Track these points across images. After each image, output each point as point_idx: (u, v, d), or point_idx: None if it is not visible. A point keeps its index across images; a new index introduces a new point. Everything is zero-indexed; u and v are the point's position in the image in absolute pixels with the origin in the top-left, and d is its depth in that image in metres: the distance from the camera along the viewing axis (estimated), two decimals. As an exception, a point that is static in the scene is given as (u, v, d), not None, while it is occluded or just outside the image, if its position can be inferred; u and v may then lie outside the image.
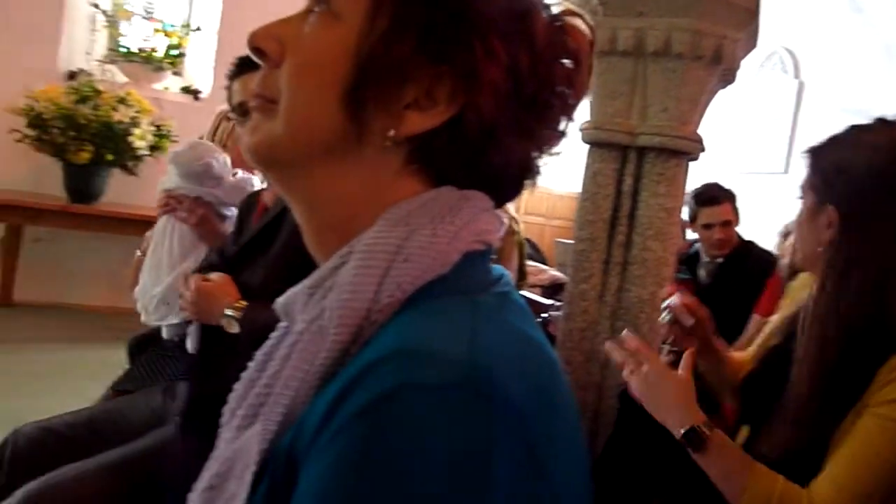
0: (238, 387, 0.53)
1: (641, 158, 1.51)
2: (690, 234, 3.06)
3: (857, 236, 1.02)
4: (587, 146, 1.56)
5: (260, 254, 1.39)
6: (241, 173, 1.89)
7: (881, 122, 1.07)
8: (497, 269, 0.54)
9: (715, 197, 2.81)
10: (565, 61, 0.51)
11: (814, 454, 0.98)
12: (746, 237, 2.91)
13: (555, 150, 0.55)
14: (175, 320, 1.74)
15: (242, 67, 1.53)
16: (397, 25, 0.47)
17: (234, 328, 1.28)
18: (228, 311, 1.29)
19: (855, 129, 1.09)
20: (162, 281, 1.75)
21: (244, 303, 1.30)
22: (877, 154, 1.02)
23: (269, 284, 1.36)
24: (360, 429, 0.37)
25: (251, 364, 0.54)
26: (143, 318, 1.80)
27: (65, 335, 3.69)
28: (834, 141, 1.10)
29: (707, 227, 2.81)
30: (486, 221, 0.51)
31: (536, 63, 0.49)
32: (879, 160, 1.01)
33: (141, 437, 1.38)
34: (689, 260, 2.97)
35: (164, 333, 1.79)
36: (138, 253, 1.99)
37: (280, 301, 0.53)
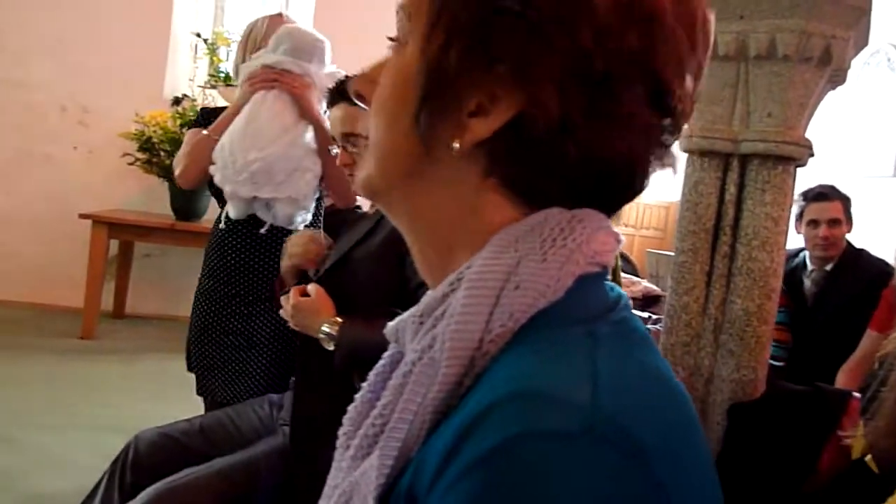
0: (352, 410, 0.53)
1: (745, 166, 1.46)
2: (792, 243, 2.91)
3: None
4: (685, 155, 1.52)
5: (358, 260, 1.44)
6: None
7: None
8: (614, 290, 0.50)
9: (824, 193, 2.67)
10: (641, 25, 0.44)
11: None
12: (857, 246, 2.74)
13: (666, 137, 0.47)
14: (266, 195, 1.76)
15: (336, 96, 1.56)
16: (450, 36, 0.45)
17: (330, 346, 1.32)
18: (325, 328, 1.33)
19: None
20: (262, 150, 1.73)
21: (339, 320, 1.34)
22: None
23: (368, 283, 1.40)
24: (481, 477, 0.36)
25: (364, 386, 0.54)
26: (218, 178, 1.77)
27: (174, 345, 3.89)
28: None
29: (813, 223, 2.66)
30: (601, 241, 0.47)
31: (602, 36, 0.43)
32: None
33: (250, 444, 1.45)
34: (792, 272, 2.82)
35: (232, 212, 1.79)
36: (205, 132, 1.85)
37: (390, 326, 0.52)
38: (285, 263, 1.58)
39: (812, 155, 1.46)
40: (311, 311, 1.38)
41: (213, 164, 1.79)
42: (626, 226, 5.85)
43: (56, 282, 4.48)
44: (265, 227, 1.83)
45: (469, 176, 0.47)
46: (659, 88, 0.45)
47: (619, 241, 0.50)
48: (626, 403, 0.39)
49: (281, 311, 1.47)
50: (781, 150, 1.41)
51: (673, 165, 0.49)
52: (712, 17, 0.48)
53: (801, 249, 2.83)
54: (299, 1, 5.03)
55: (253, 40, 1.94)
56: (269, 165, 1.74)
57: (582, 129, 0.44)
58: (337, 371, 1.31)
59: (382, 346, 1.33)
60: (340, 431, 0.53)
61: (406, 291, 1.37)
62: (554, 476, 0.35)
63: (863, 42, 1.53)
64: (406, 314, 0.50)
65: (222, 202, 1.88)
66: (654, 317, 2.79)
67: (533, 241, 0.45)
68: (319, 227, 1.96)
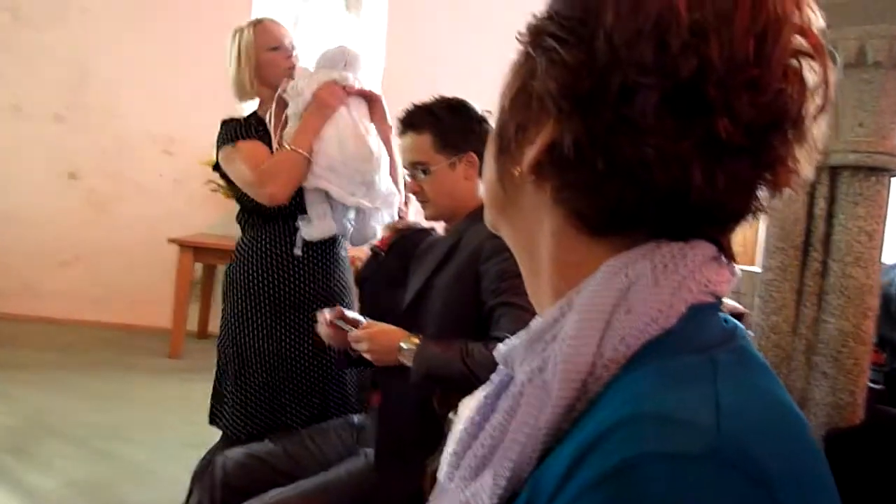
0: (461, 432, 0.53)
1: (835, 178, 1.39)
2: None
3: None
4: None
5: (433, 283, 1.46)
6: None
7: None
8: (729, 320, 0.49)
9: None
10: (651, 27, 0.43)
11: None
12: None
13: (732, 151, 0.43)
14: (368, 203, 1.85)
15: (405, 126, 1.58)
16: (503, 100, 0.52)
17: (409, 362, 1.34)
18: (404, 344, 1.35)
19: None
20: (371, 162, 1.84)
21: (416, 339, 1.36)
22: None
23: (443, 311, 1.42)
24: (603, 496, 0.36)
25: (472, 407, 0.54)
26: (336, 192, 1.82)
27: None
28: None
29: None
30: (714, 271, 0.47)
31: (614, 48, 0.44)
32: None
33: (333, 466, 1.47)
34: (888, 286, 2.65)
35: (317, 233, 1.83)
36: (288, 147, 1.82)
37: (500, 348, 0.53)
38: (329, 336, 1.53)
39: (907, 165, 1.39)
40: (386, 333, 1.40)
41: (314, 179, 1.81)
42: (704, 241, 5.67)
43: (146, 304, 4.70)
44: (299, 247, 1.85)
45: (540, 206, 0.50)
46: (685, 96, 0.42)
47: (733, 274, 0.49)
48: (750, 429, 0.38)
49: (323, 333, 1.51)
50: (874, 161, 1.34)
51: (777, 185, 0.46)
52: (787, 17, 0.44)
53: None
54: (370, 34, 5.16)
55: (246, 51, 1.95)
56: (379, 177, 1.84)
57: (606, 141, 0.44)
58: (414, 388, 1.33)
59: (456, 366, 1.34)
60: (446, 452, 0.54)
61: (481, 314, 1.37)
62: (678, 498, 0.35)
63: (962, 44, 1.44)
64: (515, 338, 0.51)
65: (284, 227, 1.86)
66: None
67: (644, 266, 0.45)
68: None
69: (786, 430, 0.41)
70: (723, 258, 0.48)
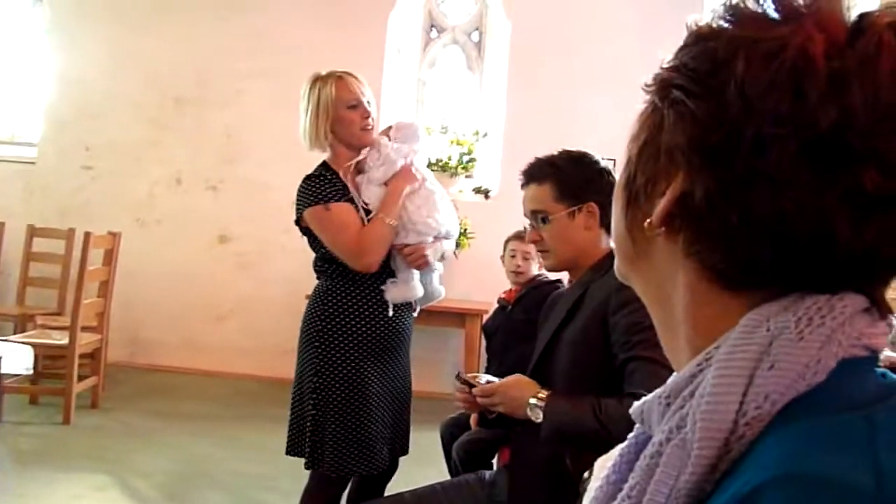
0: (597, 491, 0.53)
1: None
2: None
3: None
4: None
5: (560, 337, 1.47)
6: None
7: None
8: (887, 376, 0.45)
9: None
10: (786, 77, 0.41)
11: None
12: None
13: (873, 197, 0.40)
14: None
15: (527, 178, 1.62)
16: (630, 153, 0.52)
17: (539, 417, 1.34)
18: (532, 400, 1.36)
19: None
20: (450, 224, 2.09)
21: (545, 392, 1.37)
22: None
23: (571, 367, 1.42)
24: None
25: (609, 467, 0.53)
26: (432, 254, 2.01)
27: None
28: None
29: None
30: (867, 324, 0.44)
31: (746, 99, 0.42)
32: None
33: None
34: None
35: (409, 295, 2.02)
36: (386, 220, 1.97)
37: (636, 406, 0.51)
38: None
39: None
40: (516, 386, 1.42)
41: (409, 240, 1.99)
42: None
43: (288, 357, 4.98)
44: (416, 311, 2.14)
45: (671, 257, 0.49)
46: (826, 148, 0.40)
47: (890, 326, 0.46)
48: None
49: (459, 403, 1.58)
50: None
51: None
52: None
53: None
54: (491, 93, 5.31)
55: (325, 105, 2.07)
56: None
57: (739, 194, 0.43)
58: (544, 442, 1.33)
59: (589, 422, 1.32)
60: None
61: (611, 369, 1.36)
62: None
63: None
64: (651, 395, 0.49)
65: (368, 288, 1.98)
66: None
67: (787, 319, 0.43)
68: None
69: None
70: (875, 311, 0.45)
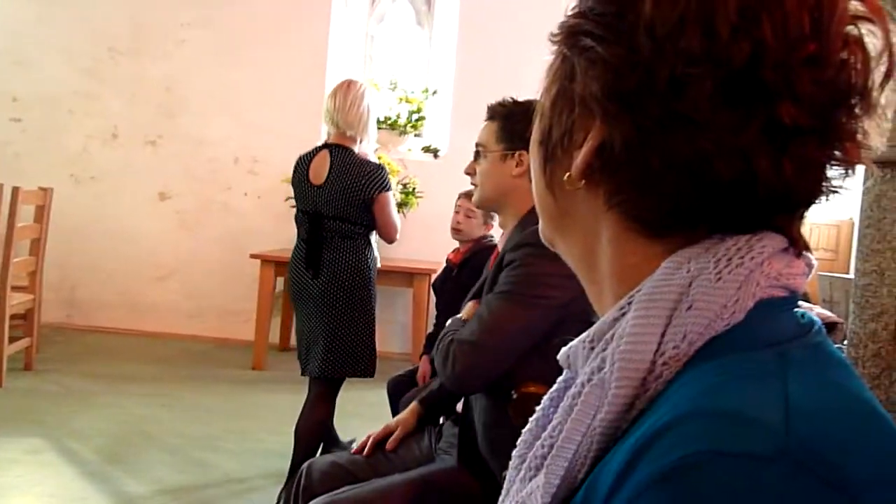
0: (525, 433, 0.53)
1: (936, 176, 1.31)
2: None
3: None
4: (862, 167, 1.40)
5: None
6: None
7: None
8: (806, 315, 0.46)
9: None
10: (695, 13, 0.41)
11: None
12: None
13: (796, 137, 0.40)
14: None
15: (487, 114, 1.67)
16: (542, 110, 0.51)
17: None
18: None
19: None
20: None
21: None
22: None
23: None
24: (665, 494, 0.34)
25: (537, 410, 0.53)
26: None
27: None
28: None
29: None
30: (785, 263, 0.44)
31: (657, 39, 0.41)
32: None
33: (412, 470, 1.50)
34: None
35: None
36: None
37: (562, 351, 0.51)
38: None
39: None
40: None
41: None
42: (792, 247, 5.43)
43: (231, 317, 4.91)
44: None
45: (593, 211, 0.48)
46: (742, 84, 0.40)
47: (809, 266, 0.46)
48: (825, 429, 0.36)
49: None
50: (981, 157, 1.26)
51: (848, 162, 0.43)
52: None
53: None
54: (441, 48, 5.23)
55: (374, 112, 2.64)
56: None
57: (659, 139, 0.42)
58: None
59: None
60: (514, 454, 0.53)
61: None
62: (745, 501, 0.33)
63: None
64: (577, 339, 0.49)
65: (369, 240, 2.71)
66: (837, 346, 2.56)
67: (706, 260, 0.43)
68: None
69: (868, 430, 0.38)
70: (793, 250, 0.45)
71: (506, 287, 1.37)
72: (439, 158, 5.04)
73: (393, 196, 2.59)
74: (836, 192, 0.45)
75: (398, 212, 4.32)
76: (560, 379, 0.54)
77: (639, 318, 0.43)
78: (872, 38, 0.42)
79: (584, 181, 0.47)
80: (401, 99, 5.09)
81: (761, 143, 0.41)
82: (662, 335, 0.42)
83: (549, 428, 0.47)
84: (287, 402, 3.72)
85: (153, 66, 4.99)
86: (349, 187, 2.48)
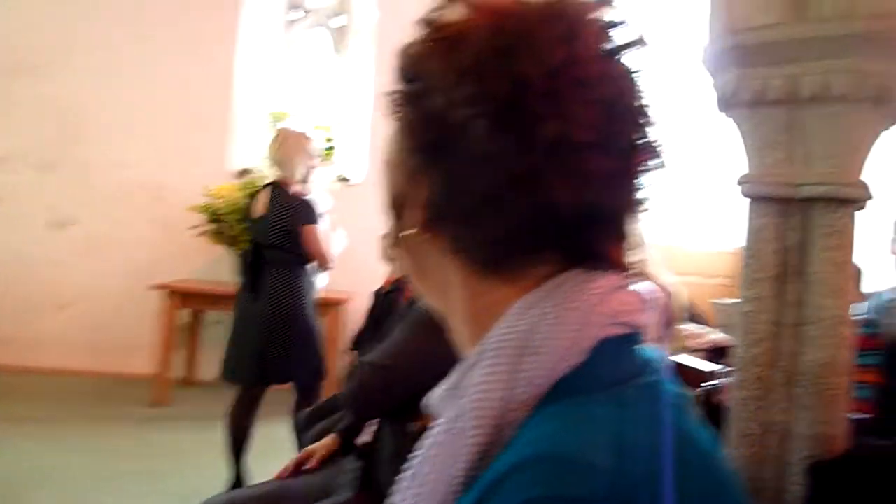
0: (403, 480, 0.52)
1: (807, 210, 1.41)
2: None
3: None
4: (747, 200, 1.49)
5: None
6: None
7: None
8: (647, 351, 0.49)
9: None
10: (467, 64, 0.46)
11: None
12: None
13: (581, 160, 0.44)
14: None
15: None
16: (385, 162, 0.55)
17: None
18: None
19: None
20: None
21: None
22: None
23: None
24: None
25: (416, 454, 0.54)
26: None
27: (241, 411, 3.98)
28: None
29: None
30: (621, 301, 0.47)
31: (445, 93, 0.46)
32: None
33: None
34: (880, 310, 2.68)
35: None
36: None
37: (433, 398, 0.52)
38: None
39: (870, 197, 1.40)
40: None
41: None
42: (694, 274, 5.69)
43: (134, 351, 4.66)
44: None
45: (441, 260, 0.51)
46: (512, 114, 0.44)
47: (646, 301, 0.49)
48: (652, 470, 0.38)
49: None
50: (842, 193, 1.36)
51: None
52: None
53: (873, 294, 2.71)
54: (357, 74, 5.23)
55: (311, 155, 3.01)
56: None
57: (465, 180, 0.46)
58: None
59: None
60: (391, 500, 0.53)
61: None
62: None
63: (923, 77, 1.47)
64: (441, 387, 0.50)
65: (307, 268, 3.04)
66: (726, 369, 2.68)
67: (546, 305, 0.45)
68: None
69: (692, 470, 0.40)
70: (629, 284, 0.48)
71: (415, 314, 1.37)
72: (355, 187, 5.01)
73: (320, 228, 2.86)
74: (647, 206, 0.48)
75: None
76: (433, 425, 0.55)
77: (487, 367, 0.45)
78: (631, 51, 0.46)
79: (426, 234, 0.50)
80: (315, 127, 5.05)
81: (549, 164, 0.43)
82: (511, 381, 0.43)
83: (409, 476, 0.48)
84: (190, 441, 3.56)
85: (49, 85, 4.74)
86: (277, 220, 2.82)
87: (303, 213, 2.83)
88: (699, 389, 1.90)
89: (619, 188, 0.46)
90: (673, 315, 2.43)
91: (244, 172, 4.78)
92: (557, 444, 0.39)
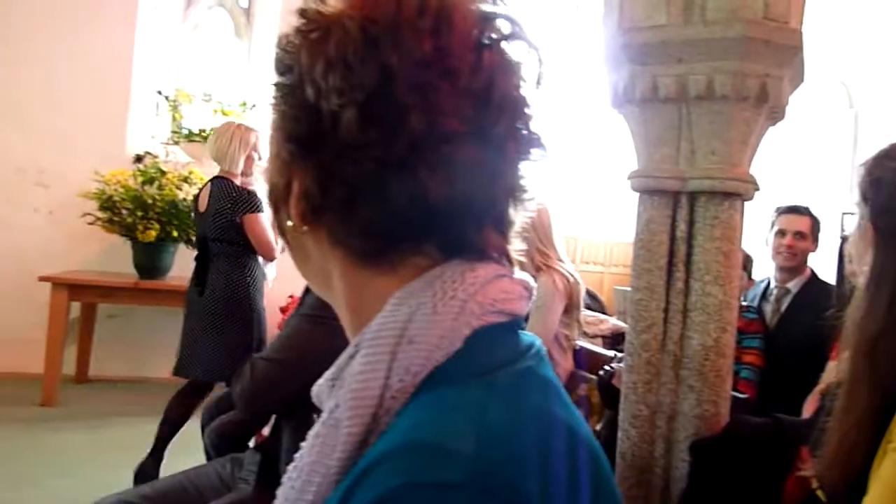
0: (289, 470, 0.53)
1: (693, 203, 1.49)
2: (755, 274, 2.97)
3: (886, 251, 0.94)
4: (638, 194, 1.55)
5: None
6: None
7: None
8: (526, 338, 0.50)
9: (796, 208, 2.83)
10: (334, 54, 0.46)
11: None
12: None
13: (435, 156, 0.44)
14: None
15: None
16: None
17: None
18: None
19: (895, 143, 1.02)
20: None
21: None
22: None
23: None
24: None
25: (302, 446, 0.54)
26: None
27: (140, 409, 3.80)
28: (877, 155, 1.03)
29: (781, 233, 2.78)
30: (500, 289, 0.48)
31: (315, 84, 0.46)
32: None
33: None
34: (761, 297, 2.87)
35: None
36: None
37: (315, 389, 0.52)
38: None
39: (757, 189, 1.50)
40: None
41: None
42: (595, 263, 5.90)
43: (17, 348, 4.35)
44: None
45: (322, 252, 0.51)
46: (379, 104, 0.44)
47: (527, 288, 0.50)
48: (513, 454, 0.39)
49: None
50: (726, 187, 1.44)
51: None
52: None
53: (762, 280, 2.90)
54: (260, 60, 5.09)
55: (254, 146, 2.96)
56: None
57: (337, 171, 0.46)
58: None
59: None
60: (278, 491, 0.53)
61: None
62: None
63: (799, 79, 1.58)
64: (323, 378, 0.50)
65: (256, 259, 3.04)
66: (620, 355, 2.81)
67: (425, 295, 0.46)
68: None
69: (557, 454, 0.41)
70: (510, 274, 0.49)
71: (308, 309, 1.35)
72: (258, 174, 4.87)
73: (263, 218, 2.82)
74: (526, 197, 0.49)
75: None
76: (317, 417, 0.55)
77: (365, 357, 0.45)
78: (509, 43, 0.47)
79: (305, 226, 0.50)
80: (216, 111, 4.87)
81: (416, 154, 0.44)
82: (388, 370, 0.44)
83: (291, 468, 0.48)
84: (81, 442, 3.38)
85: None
86: (220, 212, 2.82)
87: (244, 202, 2.82)
88: (596, 374, 1.98)
89: (494, 179, 0.47)
90: (574, 302, 2.53)
91: (141, 158, 4.56)
92: (422, 432, 0.40)
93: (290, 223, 0.51)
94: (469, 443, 0.38)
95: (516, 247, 0.52)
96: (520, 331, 0.50)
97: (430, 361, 0.44)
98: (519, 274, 0.52)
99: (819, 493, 0.96)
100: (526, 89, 0.47)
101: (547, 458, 0.41)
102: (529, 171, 0.49)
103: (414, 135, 0.44)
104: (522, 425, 0.42)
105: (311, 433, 0.48)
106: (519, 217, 0.51)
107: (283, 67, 0.50)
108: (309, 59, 0.47)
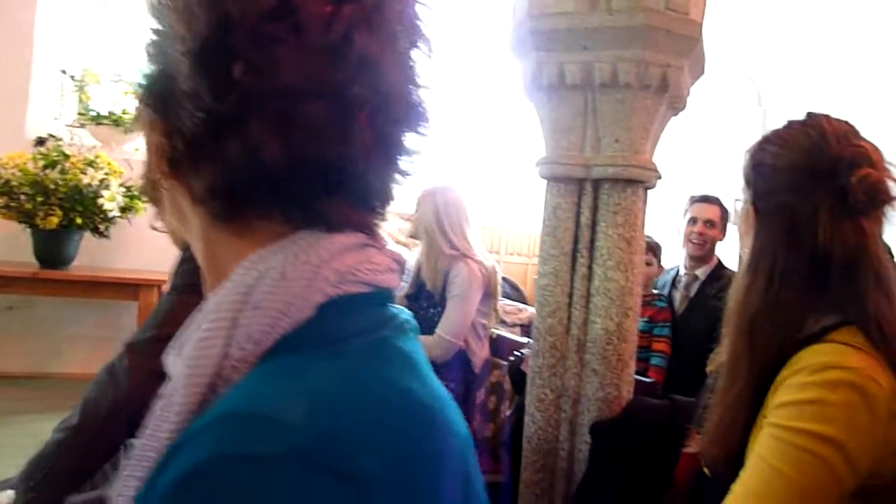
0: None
1: (597, 190, 1.51)
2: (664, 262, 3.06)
3: (764, 232, 0.98)
4: (545, 181, 1.56)
5: None
6: None
7: (802, 119, 1.01)
8: (393, 311, 0.48)
9: (707, 197, 2.94)
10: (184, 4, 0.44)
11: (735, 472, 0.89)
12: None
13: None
14: None
15: None
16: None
17: None
18: None
19: (776, 129, 1.06)
20: None
21: None
22: (783, 148, 0.98)
23: None
24: (177, 502, 0.34)
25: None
26: None
27: (43, 405, 3.60)
28: (759, 141, 1.07)
29: (692, 221, 2.88)
30: (363, 258, 0.45)
31: (173, 29, 0.44)
32: (784, 154, 0.97)
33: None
34: (671, 285, 2.97)
35: None
36: None
37: (163, 359, 0.49)
38: None
39: (659, 177, 1.54)
40: None
41: None
42: (519, 255, 5.98)
43: None
44: None
45: (188, 209, 0.48)
46: (212, 52, 0.42)
47: (398, 261, 0.48)
48: (349, 425, 0.37)
49: None
50: (629, 174, 1.47)
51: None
52: None
53: (672, 269, 3.00)
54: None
55: None
56: None
57: (178, 123, 0.44)
58: None
59: None
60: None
61: None
62: (254, 502, 0.33)
63: (699, 70, 1.63)
64: (172, 345, 0.47)
65: None
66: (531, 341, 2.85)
67: (275, 260, 0.43)
68: None
69: (403, 431, 0.39)
70: (377, 245, 0.47)
71: (180, 279, 1.26)
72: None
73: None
74: (409, 171, 0.47)
75: (122, 217, 3.96)
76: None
77: (206, 323, 0.42)
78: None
79: (169, 181, 0.47)
80: (126, 93, 4.64)
81: (249, 108, 0.41)
82: (229, 338, 0.41)
83: (140, 437, 0.45)
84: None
85: None
86: None
87: None
88: (507, 360, 1.99)
89: (344, 143, 0.43)
90: (492, 290, 2.54)
91: (43, 141, 4.30)
92: (246, 402, 0.37)
93: (155, 178, 0.48)
94: (298, 413, 0.36)
95: (394, 224, 0.50)
96: (389, 304, 0.48)
97: (275, 329, 0.41)
98: (392, 246, 0.50)
99: (705, 469, 0.99)
100: (402, 54, 0.45)
101: (398, 438, 0.39)
102: (411, 145, 0.46)
103: (247, 88, 0.41)
104: (364, 396, 0.39)
105: (154, 405, 0.44)
106: (397, 193, 0.48)
107: (149, 26, 0.47)
108: (164, 13, 0.45)
